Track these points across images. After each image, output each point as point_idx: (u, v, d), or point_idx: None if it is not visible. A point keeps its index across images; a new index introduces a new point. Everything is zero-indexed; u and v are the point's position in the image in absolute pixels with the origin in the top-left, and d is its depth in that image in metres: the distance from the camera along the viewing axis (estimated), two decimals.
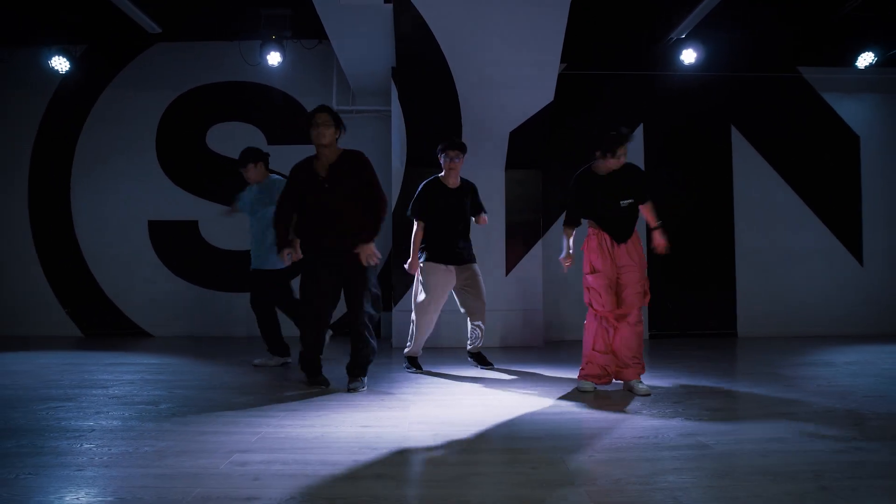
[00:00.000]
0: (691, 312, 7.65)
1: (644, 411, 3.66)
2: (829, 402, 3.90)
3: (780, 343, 6.97)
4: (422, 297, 5.18)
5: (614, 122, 7.71)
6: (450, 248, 5.13)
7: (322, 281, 4.28)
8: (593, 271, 4.30)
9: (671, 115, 7.76)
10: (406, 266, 5.23)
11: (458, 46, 5.97)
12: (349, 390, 4.29)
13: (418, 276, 5.23)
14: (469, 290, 5.20)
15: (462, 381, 4.76)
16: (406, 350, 5.39)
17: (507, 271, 6.91)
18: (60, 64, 7.44)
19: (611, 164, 4.32)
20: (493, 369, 5.25)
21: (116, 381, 4.67)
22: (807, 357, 5.87)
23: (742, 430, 3.22)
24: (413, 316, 5.29)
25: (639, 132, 7.71)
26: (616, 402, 3.93)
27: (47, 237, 8.08)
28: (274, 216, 4.46)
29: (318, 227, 4.27)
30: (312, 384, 4.48)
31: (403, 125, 6.76)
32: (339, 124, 4.32)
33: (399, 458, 2.76)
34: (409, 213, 5.27)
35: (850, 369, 5.13)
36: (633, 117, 7.73)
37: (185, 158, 8.10)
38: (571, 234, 4.57)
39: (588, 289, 4.35)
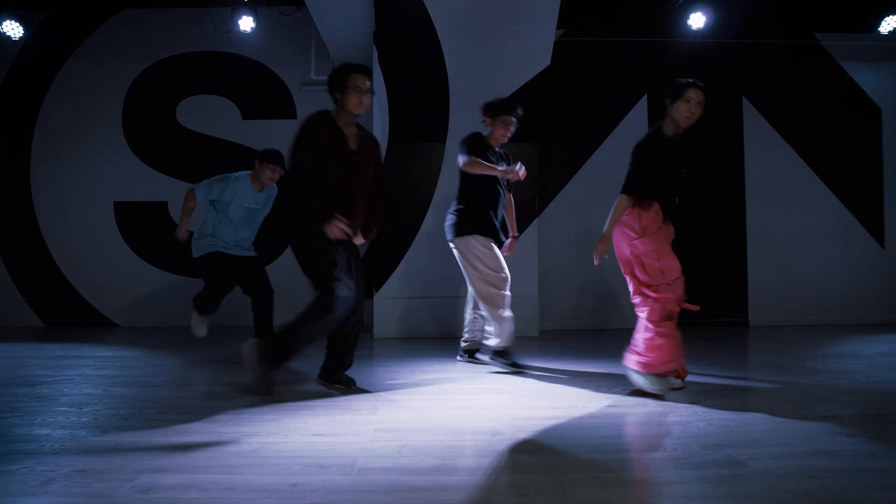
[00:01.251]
0: (699, 300, 6.99)
1: (657, 415, 3.10)
2: (874, 401, 3.33)
3: (796, 332, 6.42)
4: (488, 271, 4.31)
5: (615, 93, 7.20)
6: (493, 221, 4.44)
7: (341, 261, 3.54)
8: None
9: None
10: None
11: (445, 5, 5.35)
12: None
13: (470, 254, 4.38)
14: None
15: (446, 377, 4.20)
16: (495, 343, 4.39)
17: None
18: (13, 29, 6.84)
19: (682, 113, 3.57)
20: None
21: (51, 378, 4.11)
22: (831, 348, 5.31)
23: (779, 439, 2.65)
24: (483, 303, 4.37)
25: (642, 103, 7.11)
26: (620, 402, 3.37)
27: (5, 219, 7.50)
28: (301, 176, 3.44)
29: (334, 203, 3.50)
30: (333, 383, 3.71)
31: (384, 94, 6.15)
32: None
33: (347, 482, 2.19)
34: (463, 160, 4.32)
35: (885, 361, 4.56)
36: (635, 88, 7.13)
37: (154, 135, 7.51)
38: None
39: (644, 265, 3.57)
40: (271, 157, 4.89)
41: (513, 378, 4.13)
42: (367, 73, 3.63)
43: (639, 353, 3.50)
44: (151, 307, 7.39)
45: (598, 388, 3.72)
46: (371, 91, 3.63)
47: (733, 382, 3.92)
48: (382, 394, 3.63)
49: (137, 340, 6.07)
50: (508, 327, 4.31)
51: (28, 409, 3.24)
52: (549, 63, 5.83)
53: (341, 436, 2.75)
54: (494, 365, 4.45)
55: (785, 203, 7.19)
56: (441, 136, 6.22)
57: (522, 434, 2.77)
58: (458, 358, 4.75)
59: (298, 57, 7.41)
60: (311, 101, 7.40)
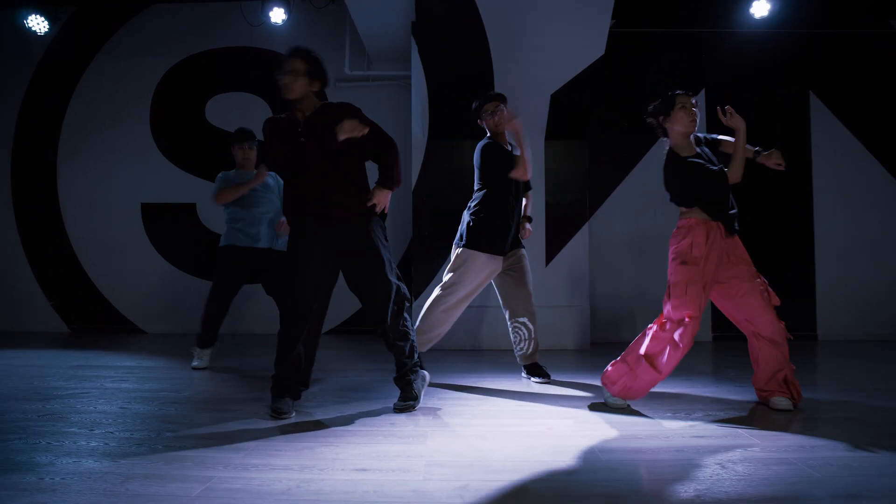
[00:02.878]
0: None
1: (753, 447, 2.61)
2: None
3: (868, 348, 5.84)
4: (462, 293, 4.12)
5: (671, 87, 6.68)
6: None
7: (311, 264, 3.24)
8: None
9: (738, 80, 6.63)
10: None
11: None
12: (395, 410, 3.29)
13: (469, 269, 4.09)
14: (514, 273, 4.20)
15: (499, 396, 3.76)
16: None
17: (548, 261, 5.87)
18: (38, 24, 6.62)
19: (684, 121, 3.43)
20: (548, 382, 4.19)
21: (66, 392, 3.76)
22: None
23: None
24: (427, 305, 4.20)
25: (700, 98, 6.60)
26: (706, 430, 2.89)
27: (32, 221, 7.27)
28: None
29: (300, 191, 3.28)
30: (274, 412, 3.16)
31: (424, 89, 5.75)
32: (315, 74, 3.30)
33: None
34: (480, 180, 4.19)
35: None
36: (692, 82, 6.63)
37: (183, 134, 7.21)
38: None
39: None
40: (235, 136, 4.81)
41: (573, 397, 3.67)
42: (293, 54, 3.36)
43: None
44: (178, 313, 7.06)
45: (673, 413, 3.25)
46: (289, 72, 3.30)
47: (825, 406, 3.42)
48: (429, 417, 3.20)
49: (161, 349, 5.74)
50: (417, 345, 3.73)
51: (34, 429, 2.88)
52: (603, 52, 5.37)
53: (388, 472, 2.32)
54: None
55: (857, 206, 6.60)
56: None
57: (603, 474, 2.32)
58: (523, 377, 4.30)
59: (332, 52, 7.03)
60: (344, 97, 7.03)
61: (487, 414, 3.29)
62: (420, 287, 5.90)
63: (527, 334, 4.19)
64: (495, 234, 4.09)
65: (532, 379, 4.19)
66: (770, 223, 6.57)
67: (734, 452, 2.56)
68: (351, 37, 6.84)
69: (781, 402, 3.27)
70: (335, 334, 6.92)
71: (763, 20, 6.26)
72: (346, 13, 6.58)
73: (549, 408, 3.45)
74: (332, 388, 3.89)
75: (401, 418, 3.15)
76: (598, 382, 3.99)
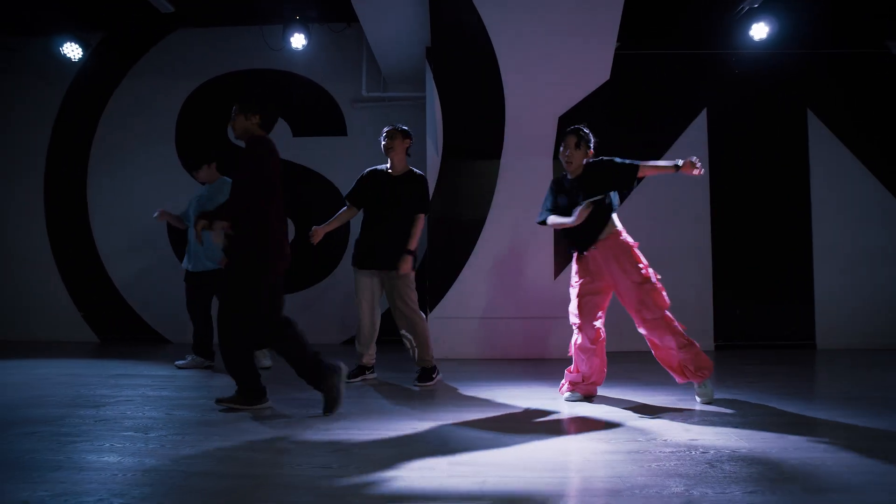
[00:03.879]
0: (762, 320, 6.79)
1: (752, 450, 2.90)
2: None
3: (867, 357, 6.10)
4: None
5: (673, 107, 7.01)
6: None
7: None
8: None
9: (738, 99, 6.92)
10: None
11: (503, 19, 5.26)
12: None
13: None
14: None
15: (515, 402, 4.06)
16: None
17: (556, 274, 6.17)
18: (73, 51, 6.98)
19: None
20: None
21: (113, 399, 4.09)
22: None
23: (869, 484, 2.44)
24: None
25: (702, 118, 6.90)
26: (699, 434, 3.18)
27: (63, 235, 7.64)
28: None
29: None
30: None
31: (439, 111, 6.08)
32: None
33: None
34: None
35: None
36: (694, 101, 6.93)
37: (207, 152, 7.55)
38: None
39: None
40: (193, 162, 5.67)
41: (579, 403, 3.97)
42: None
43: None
44: None
45: (671, 417, 3.54)
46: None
47: (817, 416, 3.70)
48: (447, 423, 3.50)
49: None
50: None
51: (95, 433, 3.21)
52: (608, 78, 5.68)
53: (415, 470, 2.63)
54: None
55: (853, 219, 6.87)
56: (496, 152, 6.11)
57: (603, 471, 2.62)
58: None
59: (349, 74, 7.39)
60: (361, 117, 7.39)
61: (505, 419, 3.59)
62: (434, 300, 6.20)
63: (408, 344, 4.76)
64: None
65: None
66: (770, 236, 6.84)
67: (722, 452, 2.85)
68: (367, 60, 7.17)
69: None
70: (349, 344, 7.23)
71: (763, 41, 6.53)
72: (362, 37, 6.91)
73: (564, 411, 3.75)
74: (355, 397, 4.19)
75: (421, 422, 3.45)
76: (603, 393, 4.30)
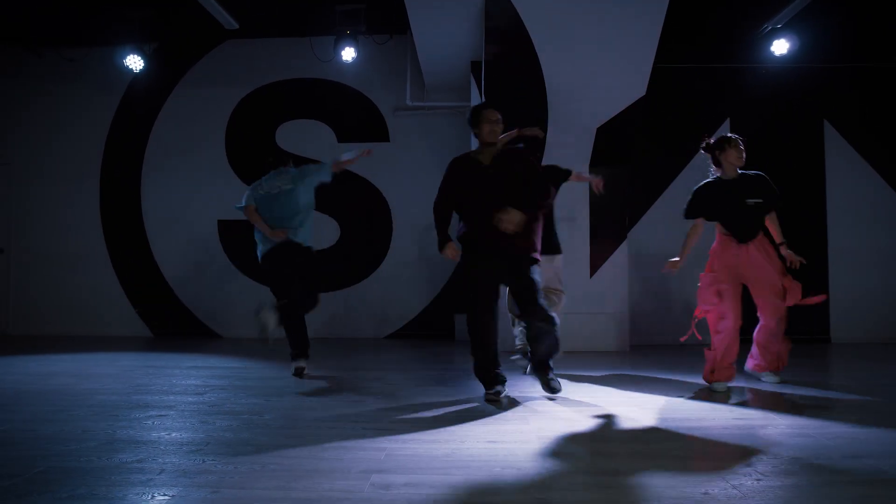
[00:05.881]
0: None
1: (783, 426, 3.35)
2: None
3: (878, 350, 6.56)
4: None
5: (700, 118, 7.45)
6: None
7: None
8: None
9: (760, 110, 7.38)
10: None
11: (549, 37, 5.71)
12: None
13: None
14: None
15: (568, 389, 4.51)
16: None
17: (592, 273, 6.63)
18: (135, 63, 7.40)
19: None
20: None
21: (207, 388, 4.54)
22: None
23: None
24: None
25: (725, 127, 7.35)
26: (746, 414, 3.62)
27: (118, 236, 8.07)
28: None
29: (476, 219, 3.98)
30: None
31: None
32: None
33: (542, 476, 2.51)
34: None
35: None
36: (719, 112, 7.38)
37: (255, 157, 7.98)
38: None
39: None
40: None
41: (626, 390, 4.42)
42: (497, 107, 4.11)
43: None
44: (250, 320, 7.81)
45: (725, 400, 3.99)
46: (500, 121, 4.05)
47: (839, 396, 4.15)
48: (517, 407, 3.94)
49: (250, 352, 6.51)
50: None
51: (216, 417, 3.65)
52: (644, 93, 6.12)
53: (511, 443, 3.07)
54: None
55: (868, 224, 7.34)
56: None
57: (667, 440, 3.07)
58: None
59: (392, 83, 7.82)
60: (403, 125, 7.83)
61: (564, 402, 4.05)
62: None
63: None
64: None
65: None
66: (787, 238, 7.21)
67: (766, 430, 3.30)
68: (411, 70, 7.60)
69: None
70: (397, 338, 7.70)
71: (783, 56, 6.98)
72: (405, 48, 7.35)
73: (624, 394, 4.20)
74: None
75: (489, 407, 3.90)
76: (635, 375, 4.75)
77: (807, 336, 7.23)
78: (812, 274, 7.30)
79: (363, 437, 3.20)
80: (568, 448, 3.01)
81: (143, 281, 8.00)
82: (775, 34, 6.79)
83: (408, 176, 7.79)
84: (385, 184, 7.61)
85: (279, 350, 6.64)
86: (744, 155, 4.38)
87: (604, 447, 3.05)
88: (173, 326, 7.96)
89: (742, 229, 4.39)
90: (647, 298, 7.15)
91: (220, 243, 7.97)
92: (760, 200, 4.37)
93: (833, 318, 7.30)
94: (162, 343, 7.31)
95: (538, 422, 3.52)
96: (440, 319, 7.72)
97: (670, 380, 4.94)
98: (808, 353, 6.51)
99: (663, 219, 7.26)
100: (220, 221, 7.99)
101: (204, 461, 2.76)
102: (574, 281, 6.65)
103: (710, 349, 4.41)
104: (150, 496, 2.33)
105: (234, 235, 7.95)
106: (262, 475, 2.59)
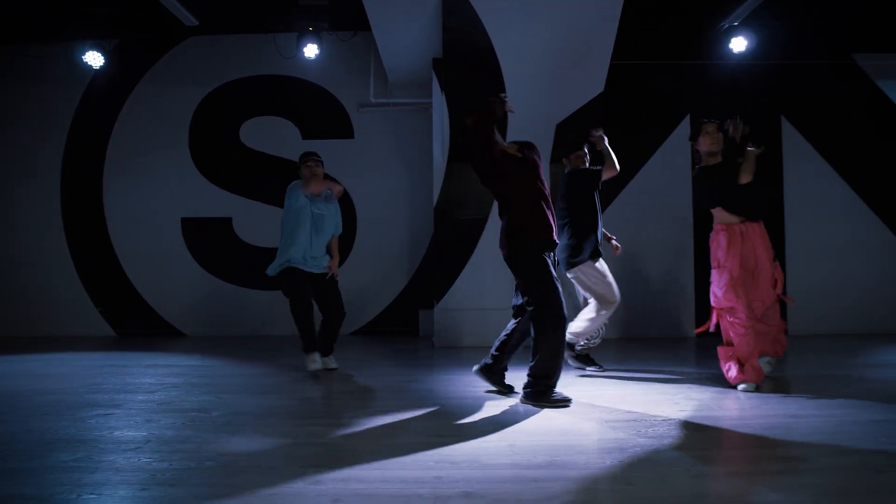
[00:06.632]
0: None
1: (727, 419, 3.42)
2: None
3: (834, 341, 6.69)
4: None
5: (659, 113, 7.54)
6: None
7: None
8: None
9: (719, 106, 7.42)
10: None
11: (507, 34, 5.75)
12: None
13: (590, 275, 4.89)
14: None
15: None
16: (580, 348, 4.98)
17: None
18: (95, 59, 7.32)
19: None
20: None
21: (160, 386, 4.52)
22: (869, 357, 5.59)
23: (838, 437, 2.97)
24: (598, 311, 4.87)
25: (685, 124, 7.44)
26: (695, 404, 3.69)
27: (80, 235, 7.98)
28: None
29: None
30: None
31: (446, 118, 6.54)
32: None
33: (482, 475, 2.55)
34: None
35: None
36: (679, 108, 7.47)
37: (219, 154, 7.96)
38: None
39: None
40: (303, 156, 5.16)
41: (587, 382, 4.48)
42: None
43: None
44: (216, 317, 7.81)
45: (674, 394, 4.06)
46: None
47: (785, 390, 4.23)
48: (468, 400, 3.98)
49: (212, 350, 6.48)
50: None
51: (162, 414, 3.64)
52: (602, 90, 6.18)
53: (456, 437, 3.10)
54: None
55: (823, 217, 7.47)
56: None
57: (615, 433, 3.12)
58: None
59: (356, 80, 7.81)
60: (367, 121, 7.83)
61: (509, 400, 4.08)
62: (441, 292, 6.66)
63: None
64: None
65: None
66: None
67: (711, 418, 3.37)
68: (374, 67, 7.60)
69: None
70: (363, 334, 7.71)
71: (741, 53, 7.07)
72: (369, 45, 7.34)
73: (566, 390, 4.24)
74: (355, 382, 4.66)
75: (445, 402, 3.93)
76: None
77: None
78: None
79: (306, 431, 3.21)
80: (507, 442, 3.05)
81: (106, 280, 7.92)
82: (733, 31, 6.89)
83: (372, 172, 7.80)
84: (349, 180, 7.58)
85: (242, 347, 6.65)
86: (720, 138, 4.39)
87: (551, 442, 3.09)
88: (137, 326, 7.88)
89: (747, 208, 4.34)
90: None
91: (184, 241, 7.91)
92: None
93: (790, 311, 7.41)
94: (125, 342, 7.25)
95: (488, 416, 3.56)
96: (405, 315, 7.75)
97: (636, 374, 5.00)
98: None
99: (625, 214, 7.34)
100: (183, 219, 7.93)
101: (139, 459, 2.76)
102: None
103: (724, 346, 4.29)
104: (76, 495, 2.33)
105: (198, 233, 7.90)
106: (196, 472, 2.60)
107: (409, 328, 7.69)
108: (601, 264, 4.89)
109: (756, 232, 4.33)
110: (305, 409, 3.74)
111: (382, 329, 7.69)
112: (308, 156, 5.15)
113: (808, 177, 7.50)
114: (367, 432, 3.24)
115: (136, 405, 3.86)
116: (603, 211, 5.16)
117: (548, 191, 3.98)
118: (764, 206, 4.39)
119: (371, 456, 2.80)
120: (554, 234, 3.92)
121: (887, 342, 6.51)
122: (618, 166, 4.96)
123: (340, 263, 5.42)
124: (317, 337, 4.98)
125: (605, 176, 4.94)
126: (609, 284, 4.87)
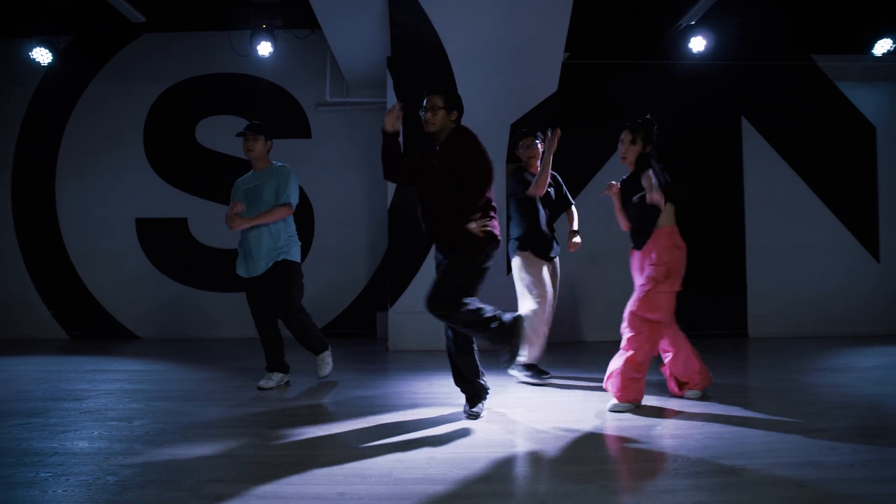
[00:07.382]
0: (699, 312, 7.31)
1: (657, 428, 3.37)
2: (860, 415, 3.61)
3: (794, 343, 6.68)
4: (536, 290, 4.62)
5: (618, 113, 7.46)
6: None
7: None
8: None
9: (679, 106, 7.42)
10: None
11: (456, 32, 5.66)
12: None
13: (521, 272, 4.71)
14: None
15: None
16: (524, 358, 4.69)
17: (508, 271, 6.59)
18: (43, 56, 7.13)
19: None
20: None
21: (93, 392, 4.39)
22: (825, 361, 5.57)
23: (769, 451, 2.92)
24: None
25: None
26: (625, 417, 3.64)
27: (32, 235, 7.79)
28: None
29: None
30: None
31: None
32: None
33: (387, 492, 2.46)
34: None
35: (874, 375, 4.83)
36: (638, 108, 7.36)
37: (174, 153, 7.80)
38: None
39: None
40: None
41: (526, 391, 4.40)
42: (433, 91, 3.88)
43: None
44: (171, 319, 7.66)
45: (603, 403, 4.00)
46: (426, 108, 3.90)
47: (730, 394, 4.19)
48: (407, 409, 3.90)
49: (163, 353, 6.34)
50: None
51: (82, 423, 3.52)
52: (555, 89, 6.11)
53: (380, 450, 3.01)
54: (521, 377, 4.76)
55: (783, 218, 7.45)
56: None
57: (537, 447, 3.05)
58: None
59: (313, 79, 7.69)
60: (324, 120, 7.70)
61: (454, 406, 4.00)
62: (395, 295, 6.57)
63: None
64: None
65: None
66: (706, 234, 7.36)
67: (638, 430, 3.30)
68: (331, 66, 7.48)
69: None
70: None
71: (701, 53, 7.02)
72: (326, 44, 7.20)
73: (501, 399, 4.17)
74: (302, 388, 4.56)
75: (379, 412, 3.84)
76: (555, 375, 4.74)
77: (725, 332, 7.34)
78: (730, 269, 7.46)
79: (223, 442, 3.11)
80: (427, 454, 2.97)
81: (59, 281, 7.73)
82: (691, 31, 6.84)
83: (329, 172, 7.67)
84: (306, 180, 7.44)
85: (194, 351, 6.52)
86: (620, 147, 4.29)
87: (472, 453, 3.01)
88: (90, 328, 7.71)
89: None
90: (567, 292, 7.15)
91: (139, 242, 7.74)
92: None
93: (750, 314, 7.41)
94: (76, 346, 7.08)
95: (414, 426, 3.47)
96: (364, 318, 7.64)
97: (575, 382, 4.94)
98: (726, 347, 6.59)
99: (583, 215, 7.27)
100: (138, 220, 7.76)
101: (38, 474, 2.65)
102: (489, 279, 6.63)
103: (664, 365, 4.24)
104: None
105: (153, 234, 7.74)
106: (90, 488, 2.49)
107: (367, 331, 7.59)
108: (544, 265, 4.76)
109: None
110: (236, 419, 3.63)
111: (340, 332, 7.58)
112: (244, 132, 4.60)
113: (768, 178, 7.47)
114: (293, 444, 3.15)
115: (59, 414, 3.74)
116: (559, 210, 5.04)
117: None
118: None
119: (286, 469, 2.71)
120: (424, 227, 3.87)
121: (849, 344, 6.49)
122: (541, 190, 4.68)
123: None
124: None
125: (530, 192, 4.69)
126: (542, 283, 4.70)
